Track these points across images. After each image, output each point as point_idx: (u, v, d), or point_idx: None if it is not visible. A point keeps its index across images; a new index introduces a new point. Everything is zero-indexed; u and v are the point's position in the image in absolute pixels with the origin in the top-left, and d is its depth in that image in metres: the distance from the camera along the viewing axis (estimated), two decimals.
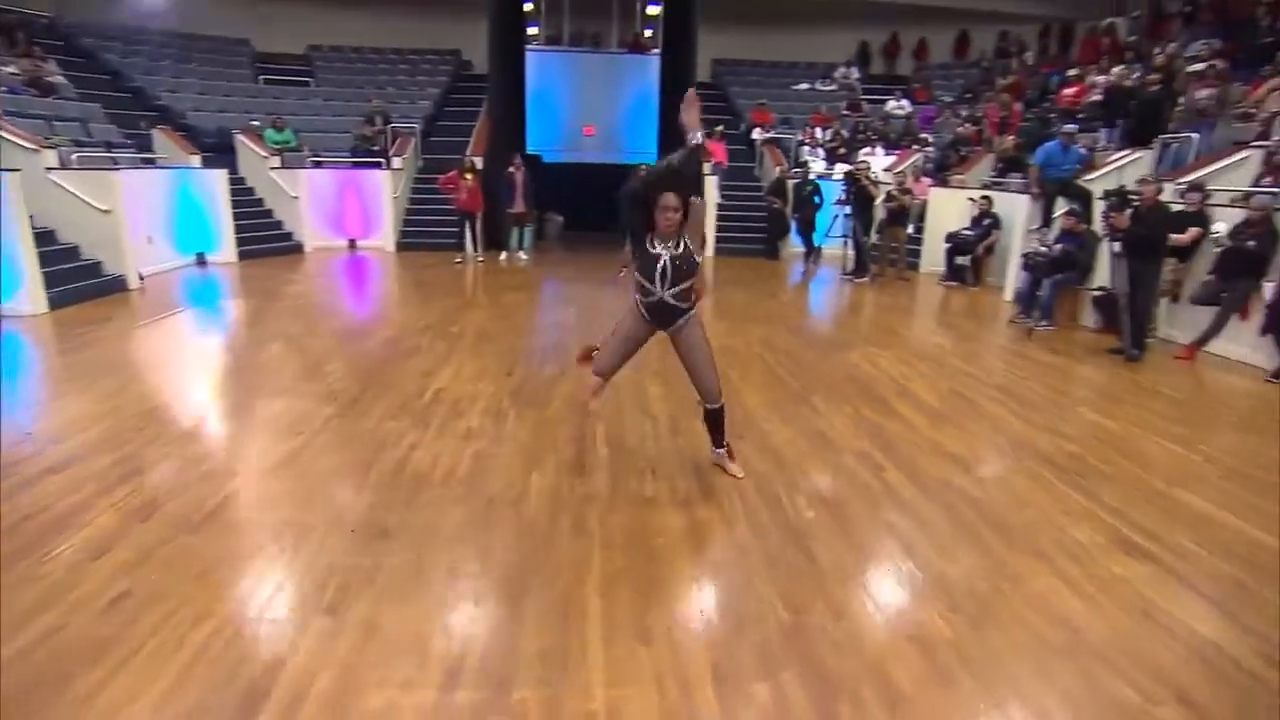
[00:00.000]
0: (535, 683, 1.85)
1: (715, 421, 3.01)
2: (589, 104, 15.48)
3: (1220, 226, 5.80)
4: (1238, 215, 5.69)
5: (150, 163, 9.62)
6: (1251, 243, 5.39)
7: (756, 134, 13.35)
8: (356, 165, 11.11)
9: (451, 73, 15.14)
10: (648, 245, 2.79)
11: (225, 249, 9.31)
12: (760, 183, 12.24)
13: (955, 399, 4.39)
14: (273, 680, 1.82)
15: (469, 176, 9.43)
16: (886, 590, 2.27)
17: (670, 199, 2.72)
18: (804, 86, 15.67)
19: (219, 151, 10.85)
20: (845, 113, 14.55)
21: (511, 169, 9.76)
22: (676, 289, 2.80)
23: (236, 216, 9.48)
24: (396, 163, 10.93)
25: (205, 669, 1.84)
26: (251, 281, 7.74)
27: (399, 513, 2.73)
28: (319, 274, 8.60)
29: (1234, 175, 6.83)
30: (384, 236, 10.68)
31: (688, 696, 1.81)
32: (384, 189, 10.55)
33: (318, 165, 11.12)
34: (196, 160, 9.84)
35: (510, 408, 3.93)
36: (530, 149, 13.75)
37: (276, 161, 10.53)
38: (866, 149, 12.36)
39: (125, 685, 1.74)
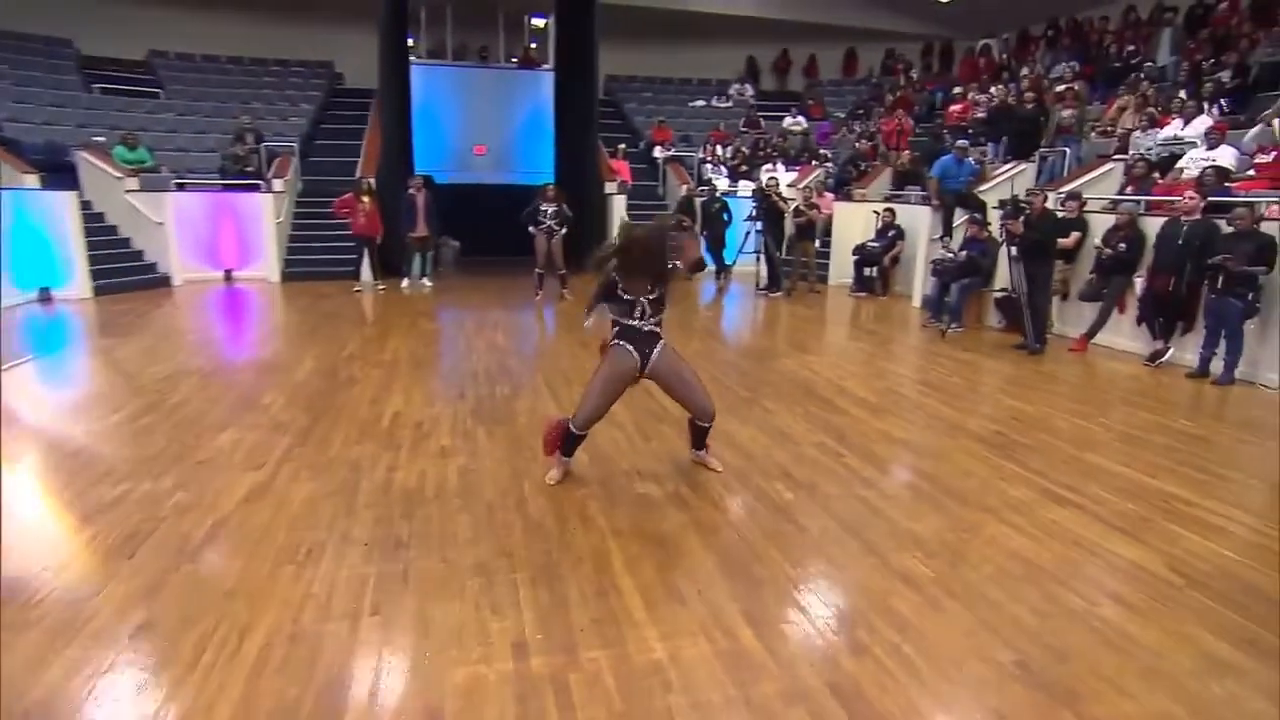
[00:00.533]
0: (599, 645, 2.22)
1: (700, 432, 3.48)
2: (479, 122, 15.85)
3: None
4: (1109, 220, 7.03)
5: None
6: (1122, 245, 6.70)
7: (658, 152, 14.28)
8: (230, 188, 10.84)
9: (325, 87, 15.06)
10: (620, 294, 3.11)
11: (76, 283, 8.80)
12: (665, 201, 13.09)
13: (889, 394, 5.17)
14: (349, 673, 2.07)
15: (366, 199, 9.54)
16: (873, 546, 2.84)
17: (645, 282, 3.06)
18: (700, 103, 16.92)
19: (51, 170, 10.25)
20: (743, 129, 15.88)
21: (412, 190, 9.94)
22: (655, 319, 3.21)
23: (88, 246, 8.99)
24: (278, 185, 10.78)
25: (273, 675, 2.05)
26: (119, 318, 7.44)
27: (405, 525, 3.00)
28: (201, 308, 8.36)
29: (1102, 185, 8.39)
30: (266, 266, 10.48)
31: (733, 639, 2.26)
32: (265, 214, 10.39)
33: (182, 188, 10.75)
34: (33, 180, 9.22)
35: (477, 426, 4.24)
36: (419, 169, 13.85)
37: (134, 183, 10.11)
38: (768, 165, 13.59)
39: (194, 702, 1.92)
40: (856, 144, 13.42)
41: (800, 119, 15.62)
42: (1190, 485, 3.55)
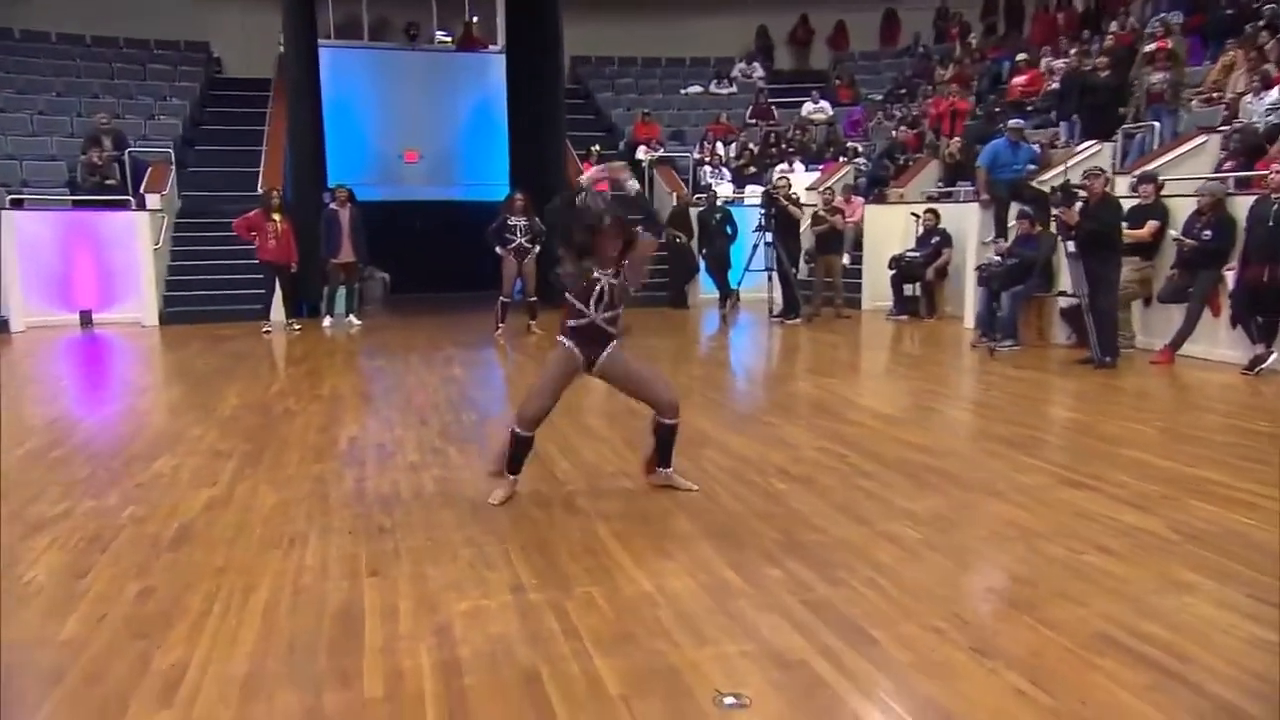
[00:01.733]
0: (591, 582, 3.33)
1: (667, 438, 4.40)
2: (408, 121, 17.48)
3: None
4: (1192, 205, 7.93)
5: None
6: (1206, 233, 7.85)
7: (642, 153, 15.86)
8: (85, 206, 12.17)
9: (201, 76, 16.67)
10: (586, 268, 4.08)
11: None
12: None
13: (913, 409, 6.41)
14: (361, 609, 3.15)
15: (277, 218, 10.91)
16: (863, 518, 3.98)
17: (618, 226, 4.04)
18: (695, 89, 18.69)
19: None
20: (751, 121, 17.59)
21: (333, 205, 11.32)
22: (609, 314, 4.31)
23: None
24: (153, 201, 12.16)
25: (286, 616, 3.12)
26: None
27: (386, 518, 4.12)
28: (63, 358, 9.54)
29: (1194, 163, 9.53)
30: (139, 305, 11.81)
31: (716, 577, 3.38)
32: (138, 239, 11.79)
33: (19, 205, 12.06)
34: None
35: (447, 445, 5.41)
36: (333, 181, 15.26)
37: None
38: (783, 165, 15.16)
39: (211, 644, 2.97)
40: (895, 132, 15.03)
41: (824, 104, 17.27)
42: (1232, 471, 4.73)
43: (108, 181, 12.40)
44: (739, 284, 12.43)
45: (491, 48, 17.64)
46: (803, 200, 12.62)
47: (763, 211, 11.37)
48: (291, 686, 2.66)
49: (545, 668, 2.74)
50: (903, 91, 17.05)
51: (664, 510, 4.16)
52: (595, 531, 3.92)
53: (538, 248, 10.24)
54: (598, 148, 14.38)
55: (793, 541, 3.76)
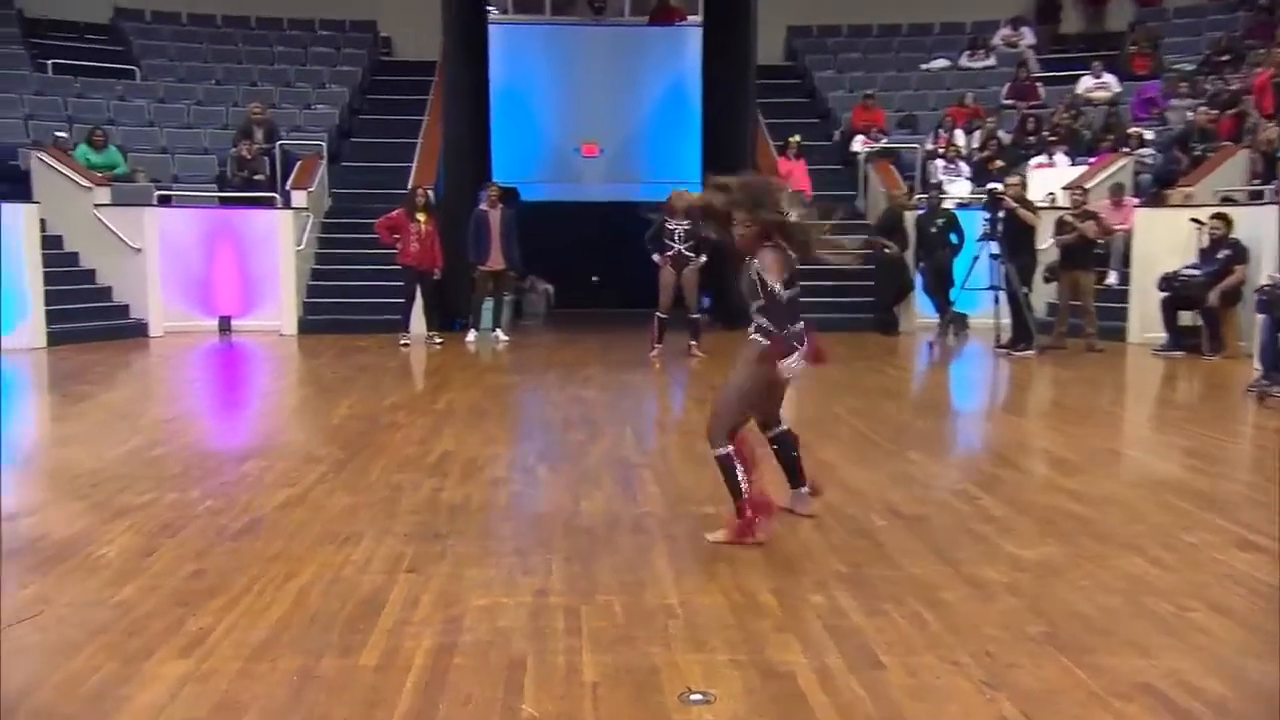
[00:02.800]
0: (617, 591, 4.05)
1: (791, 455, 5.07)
2: (590, 108, 18.85)
3: None
4: None
5: None
6: None
7: (860, 144, 16.42)
8: (230, 203, 14.13)
9: (365, 60, 18.74)
10: (778, 289, 4.56)
11: (26, 329, 12.00)
12: (867, 220, 15.08)
13: (1105, 455, 6.69)
14: (385, 598, 4.02)
15: (422, 218, 12.25)
16: (954, 558, 4.44)
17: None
18: (940, 64, 19.01)
19: None
20: (1007, 102, 17.69)
21: (483, 205, 12.64)
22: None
23: (44, 278, 12.17)
24: (298, 198, 13.96)
25: (318, 597, 4.03)
26: (92, 368, 10.43)
27: (446, 525, 5.02)
28: (193, 362, 11.27)
29: None
30: (279, 313, 13.58)
31: (750, 598, 4.00)
32: (279, 240, 13.54)
33: (167, 202, 14.15)
34: None
35: (539, 464, 6.29)
36: (498, 179, 16.72)
37: (104, 195, 13.57)
38: (1040, 157, 15.26)
39: (241, 615, 3.91)
40: (1191, 114, 14.75)
41: (1108, 78, 17.06)
42: None
43: (256, 177, 14.37)
44: (962, 305, 12.71)
45: (690, 19, 18.67)
46: (1050, 201, 12.77)
47: (986, 216, 11.66)
48: (297, 652, 3.55)
49: (532, 657, 3.49)
50: (1224, 58, 16.46)
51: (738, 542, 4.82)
52: (649, 549, 4.63)
53: (702, 257, 11.09)
54: (798, 138, 15.07)
55: (856, 575, 4.32)
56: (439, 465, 6.26)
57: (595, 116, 18.50)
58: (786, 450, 5.12)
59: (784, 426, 5.12)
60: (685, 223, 11.06)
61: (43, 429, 8.23)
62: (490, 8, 17.45)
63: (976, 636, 3.68)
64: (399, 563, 4.48)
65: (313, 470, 6.14)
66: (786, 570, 4.37)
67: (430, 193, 12.67)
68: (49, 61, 17.18)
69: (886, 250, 13.46)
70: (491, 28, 17.00)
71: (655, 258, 11.20)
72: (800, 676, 3.35)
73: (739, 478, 4.71)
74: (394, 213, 12.21)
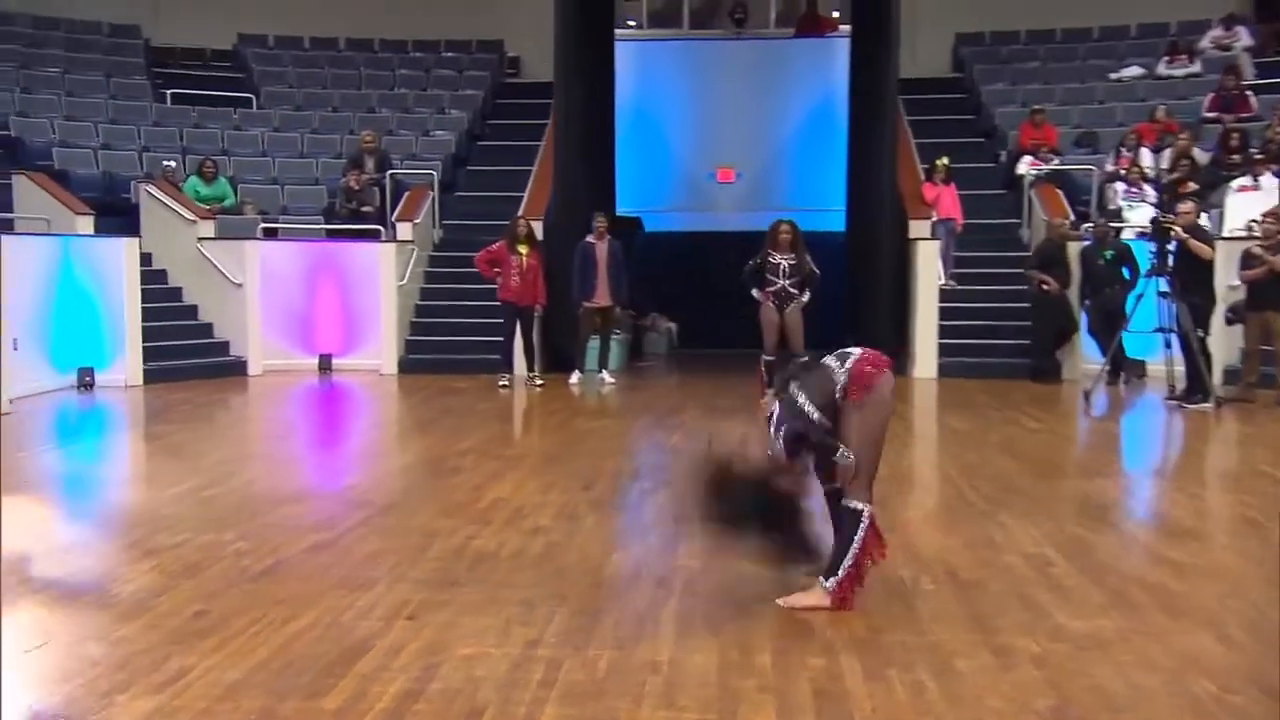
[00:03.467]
0: (611, 646, 4.32)
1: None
2: (727, 129, 19.34)
3: None
4: None
5: (8, 226, 13.40)
6: None
7: (1026, 167, 16.26)
8: (336, 236, 14.98)
9: (488, 82, 19.56)
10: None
11: (122, 364, 12.94)
12: (1026, 249, 14.99)
13: (1240, 525, 6.63)
14: (372, 644, 4.39)
15: (524, 250, 12.77)
16: (993, 625, 4.54)
17: None
18: (1133, 72, 18.63)
19: (105, 210, 14.84)
20: (1209, 114, 17.23)
21: (590, 238, 13.11)
22: None
23: (142, 314, 13.11)
24: (403, 231, 14.71)
25: (309, 642, 4.43)
26: (177, 407, 11.26)
27: (466, 573, 5.38)
28: (283, 401, 12.02)
29: None
30: (380, 351, 14.30)
31: (746, 657, 4.22)
32: (381, 275, 14.29)
33: (272, 235, 15.05)
34: (86, 224, 13.85)
35: (589, 514, 6.63)
36: (623, 209, 17.17)
37: (209, 229, 14.59)
38: (1243, 179, 14.85)
39: (224, 656, 4.33)
40: None
41: None
42: None
43: (363, 209, 15.19)
44: (1132, 349, 12.53)
45: (840, 30, 18.91)
46: (1249, 231, 12.53)
47: (1153, 249, 11.49)
48: (265, 694, 3.94)
49: (494, 707, 3.79)
50: None
51: (758, 595, 5.03)
52: (664, 604, 4.89)
53: (807, 294, 11.37)
54: (945, 160, 15.00)
55: (873, 639, 4.49)
56: (485, 512, 6.65)
57: (733, 138, 18.92)
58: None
59: None
60: (790, 256, 11.34)
61: (106, 467, 9.02)
62: (630, 21, 18.04)
63: (974, 708, 3.82)
64: (401, 609, 4.85)
65: (354, 515, 6.61)
66: (799, 632, 4.56)
67: (530, 224, 13.12)
68: (168, 91, 18.65)
69: (1044, 287, 13.36)
70: (620, 45, 17.52)
71: (755, 294, 11.47)
72: None
73: (858, 540, 4.88)
74: (494, 245, 12.77)
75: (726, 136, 18.87)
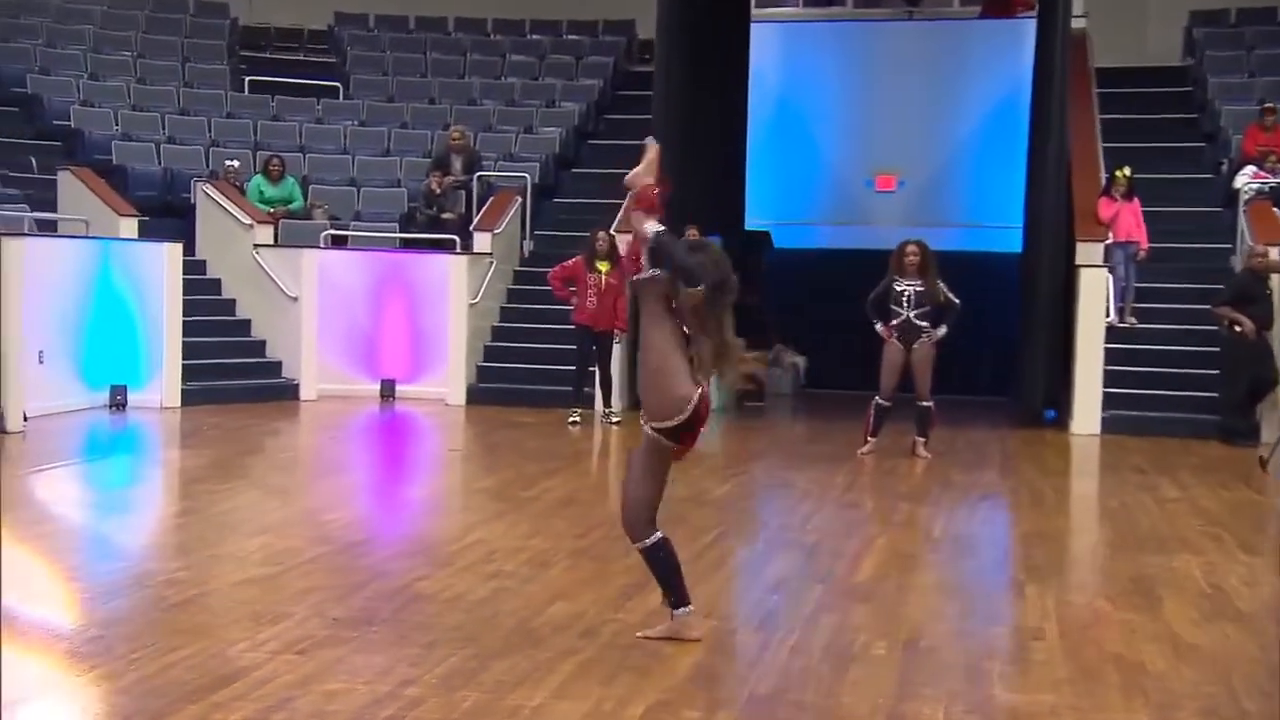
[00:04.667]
0: (484, 691, 5.01)
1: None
2: (890, 128, 19.53)
3: None
4: None
5: (51, 227, 14.79)
6: None
7: (1245, 179, 16.09)
8: (410, 246, 15.92)
9: (611, 69, 20.16)
10: None
11: (158, 383, 14.01)
12: (1227, 268, 15.04)
13: None
14: (244, 675, 5.16)
15: (604, 268, 13.38)
16: (913, 690, 5.07)
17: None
18: None
19: (162, 212, 16.09)
20: None
21: None
22: None
23: (186, 328, 14.17)
24: (480, 242, 15.59)
25: (179, 670, 5.23)
26: (201, 430, 12.32)
27: (389, 612, 6.15)
28: (325, 429, 13.02)
29: None
30: (446, 379, 15.16)
31: (620, 713, 4.87)
32: (451, 291, 15.11)
33: (341, 244, 16.10)
34: (129, 226, 14.90)
35: (563, 560, 7.33)
36: (753, 221, 17.47)
37: (266, 235, 15.60)
38: None
39: (95, 680, 5.15)
40: None
41: None
42: None
43: (444, 215, 16.15)
44: None
45: (1028, 11, 19.04)
46: None
47: None
48: (113, 715, 4.76)
49: None
50: None
51: (683, 650, 5.66)
52: (572, 655, 5.55)
53: (942, 329, 11.73)
54: (1127, 171, 14.78)
55: (770, 699, 5.07)
56: (454, 555, 7.40)
57: (896, 139, 19.18)
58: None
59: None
60: (917, 283, 11.70)
61: (88, 490, 10.06)
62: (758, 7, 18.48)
63: None
64: (296, 644, 5.62)
65: (312, 550, 7.47)
66: (692, 688, 5.18)
67: (613, 237, 13.53)
68: (248, 78, 20.06)
69: (1236, 329, 13.32)
70: (758, 26, 18.00)
71: (879, 328, 11.84)
72: None
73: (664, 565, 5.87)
74: (571, 261, 13.45)
75: (888, 136, 19.18)
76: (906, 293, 11.74)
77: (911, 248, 11.84)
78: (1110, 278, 14.56)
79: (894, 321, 11.78)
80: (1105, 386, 14.11)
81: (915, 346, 11.76)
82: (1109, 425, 13.93)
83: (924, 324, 11.74)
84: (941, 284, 11.83)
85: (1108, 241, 14.78)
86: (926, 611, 6.54)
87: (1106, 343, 14.14)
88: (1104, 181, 15.57)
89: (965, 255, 17.77)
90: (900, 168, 19.32)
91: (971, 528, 9.01)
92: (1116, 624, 6.45)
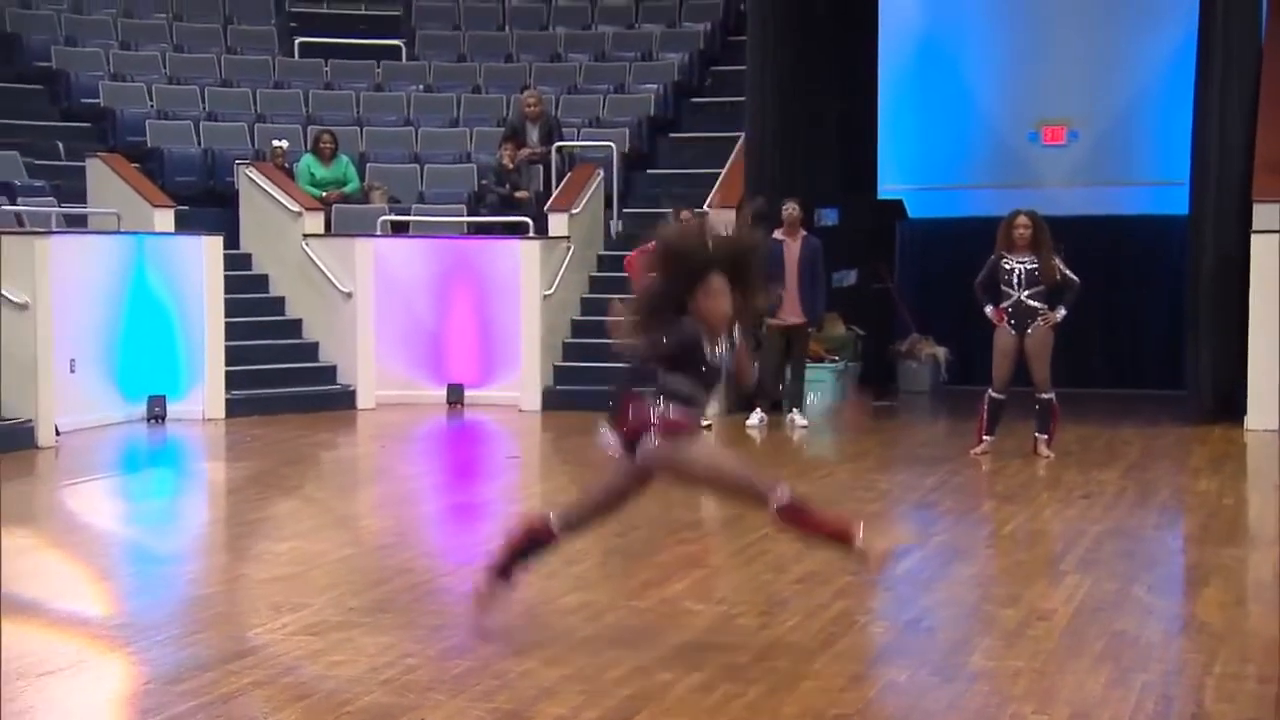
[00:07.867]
0: (458, 655, 6.97)
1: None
2: (1057, 72, 20.06)
3: None
4: None
5: (80, 220, 16.50)
6: None
7: None
8: (480, 231, 17.23)
9: (722, 9, 20.99)
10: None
11: (199, 393, 15.75)
12: None
13: None
14: (257, 650, 7.22)
15: None
16: (890, 660, 6.78)
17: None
18: None
19: (202, 200, 17.71)
20: None
21: (779, 233, 14.72)
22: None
23: (232, 331, 15.81)
24: (556, 224, 16.99)
25: (199, 648, 7.25)
26: (239, 443, 14.45)
27: (406, 603, 8.18)
28: (357, 444, 15.05)
29: None
30: (519, 382, 16.64)
31: (599, 674, 6.77)
32: (523, 281, 16.50)
33: (399, 231, 17.49)
34: (165, 219, 16.46)
35: (593, 557, 9.26)
36: (886, 187, 18.63)
37: (317, 223, 17.14)
38: None
39: (126, 656, 7.22)
40: None
41: None
42: None
43: (518, 194, 17.65)
44: None
45: None
46: None
47: None
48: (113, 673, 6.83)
49: (293, 677, 6.51)
50: None
51: (676, 629, 7.58)
52: (574, 633, 7.50)
53: (1062, 311, 12.88)
54: None
55: (750, 665, 6.87)
56: (482, 554, 9.31)
57: (1065, 84, 19.93)
58: None
59: None
60: (1029, 259, 12.90)
61: (127, 504, 12.29)
62: None
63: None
64: (311, 628, 7.64)
65: (341, 551, 9.64)
66: (685, 655, 7.03)
67: (704, 214, 14.45)
68: (298, 40, 21.59)
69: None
70: None
71: (988, 311, 13.11)
72: None
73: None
74: (648, 245, 14.90)
75: (1055, 81, 19.92)
76: (1017, 270, 12.91)
77: (1022, 219, 12.91)
78: None
79: (1004, 304, 12.99)
80: None
81: (1030, 331, 12.89)
82: None
83: (1039, 305, 12.89)
84: (1058, 259, 12.87)
85: None
86: (946, 598, 8.28)
87: None
88: None
89: (1154, 220, 19.05)
90: (1072, 118, 19.82)
91: (1046, 525, 10.53)
92: (1137, 608, 8.02)
